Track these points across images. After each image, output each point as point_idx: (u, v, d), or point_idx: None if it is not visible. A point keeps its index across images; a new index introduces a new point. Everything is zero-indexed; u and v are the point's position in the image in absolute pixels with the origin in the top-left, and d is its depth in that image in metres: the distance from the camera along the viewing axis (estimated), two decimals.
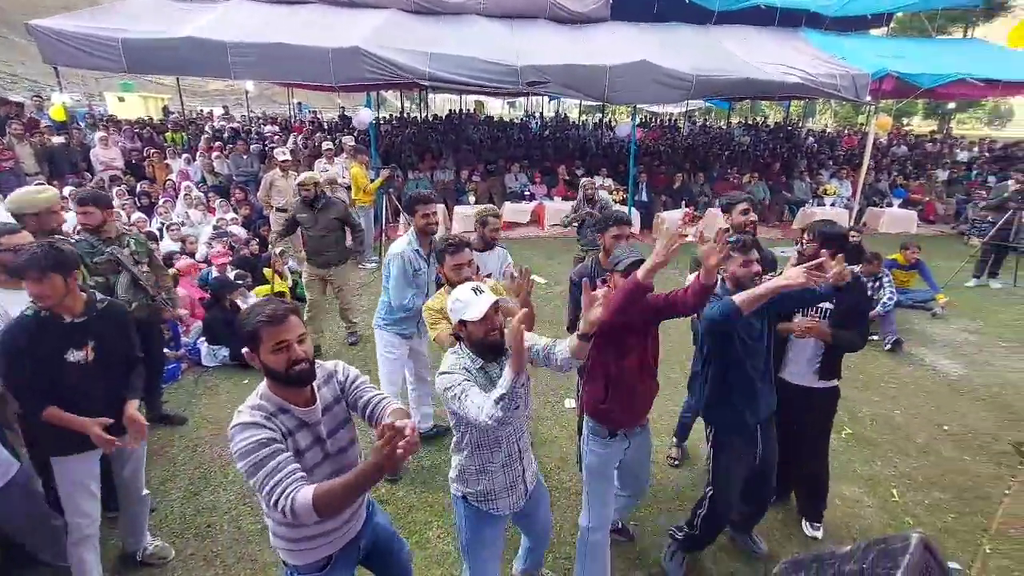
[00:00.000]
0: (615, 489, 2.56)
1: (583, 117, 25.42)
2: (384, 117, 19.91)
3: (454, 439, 2.04)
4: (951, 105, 20.59)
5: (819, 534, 3.01)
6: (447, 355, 1.97)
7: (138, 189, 7.54)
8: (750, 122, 22.98)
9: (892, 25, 14.55)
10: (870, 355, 5.18)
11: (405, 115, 21.41)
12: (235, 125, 14.70)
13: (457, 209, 9.01)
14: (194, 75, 7.64)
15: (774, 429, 2.60)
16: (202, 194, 7.29)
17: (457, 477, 2.05)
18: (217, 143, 10.03)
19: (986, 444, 3.86)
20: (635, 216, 9.06)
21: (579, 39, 8.93)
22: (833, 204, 10.08)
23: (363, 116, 7.98)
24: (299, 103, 22.11)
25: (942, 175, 12.17)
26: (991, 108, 38.44)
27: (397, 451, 1.29)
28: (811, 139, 17.78)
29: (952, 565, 2.88)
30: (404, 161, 10.02)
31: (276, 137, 12.47)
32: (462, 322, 1.86)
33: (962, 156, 14.65)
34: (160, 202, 6.82)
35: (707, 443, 2.59)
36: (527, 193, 9.67)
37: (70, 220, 4.12)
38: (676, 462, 3.57)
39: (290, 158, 6.91)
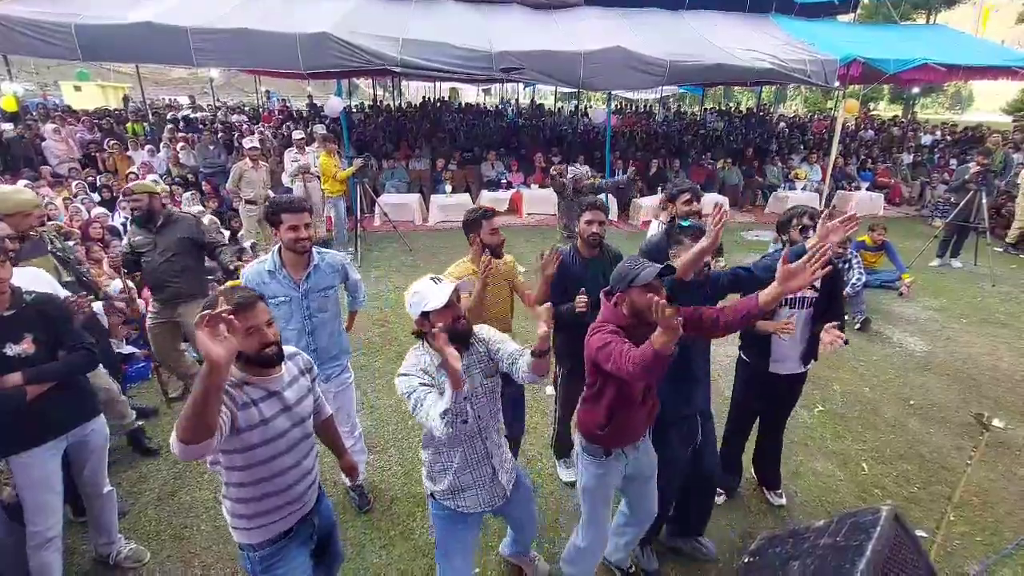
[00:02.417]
0: (623, 517, 2.48)
1: (559, 104, 25.32)
2: (356, 105, 19.53)
3: (422, 436, 2.03)
4: (915, 90, 21.13)
5: (784, 500, 3.12)
6: (409, 354, 1.91)
7: (98, 182, 7.25)
8: (723, 108, 23.22)
9: (859, 11, 14.81)
10: None
11: (378, 103, 21.03)
12: (200, 115, 14.22)
13: (434, 199, 8.93)
14: (154, 63, 7.32)
15: (712, 422, 2.57)
16: (167, 187, 7.04)
17: (426, 475, 2.06)
18: (182, 134, 9.69)
19: (949, 417, 4.02)
20: (611, 202, 9.10)
21: (553, 25, 8.85)
22: (804, 188, 10.29)
23: (334, 104, 7.80)
24: (267, 91, 21.50)
25: (907, 159, 12.52)
26: (952, 93, 39.62)
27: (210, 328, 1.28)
28: (782, 124, 18.07)
29: (919, 533, 3.00)
30: (378, 150, 9.84)
31: (244, 127, 12.11)
32: (424, 315, 1.79)
33: (926, 140, 15.09)
34: (123, 196, 6.57)
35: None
36: (504, 182, 9.62)
37: None
38: None
39: (259, 147, 6.71)
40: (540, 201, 9.31)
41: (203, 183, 7.40)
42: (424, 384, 1.78)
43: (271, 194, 7.23)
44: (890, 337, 5.37)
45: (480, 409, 1.93)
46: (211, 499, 3.13)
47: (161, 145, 8.75)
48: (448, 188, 9.01)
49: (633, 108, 23.03)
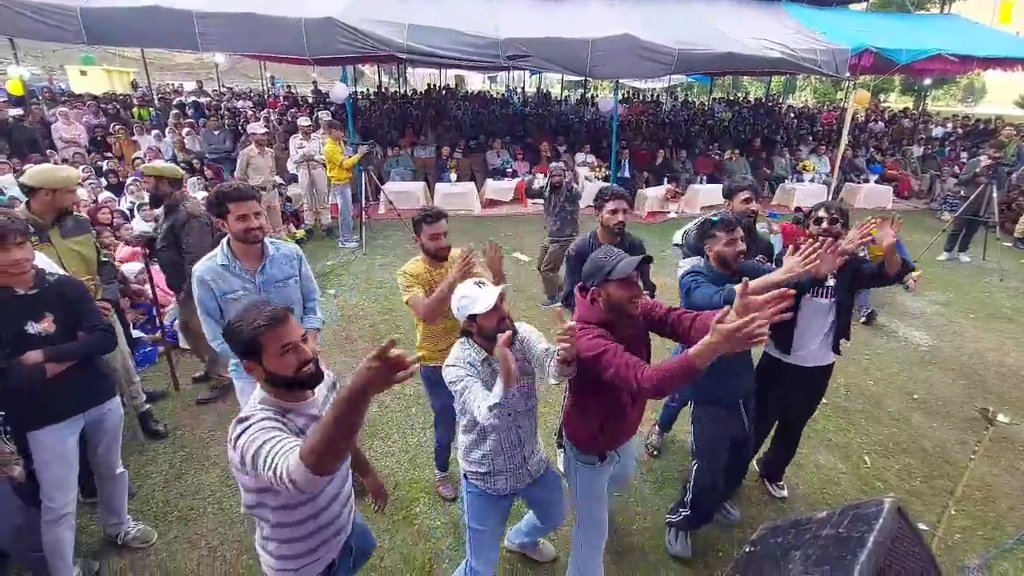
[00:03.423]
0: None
1: (565, 93, 25.10)
2: (362, 92, 19.45)
3: (461, 422, 2.09)
4: (927, 81, 20.82)
5: (786, 492, 3.14)
6: (455, 347, 2.01)
7: (104, 167, 7.26)
8: (731, 98, 22.96)
9: (871, 0, 14.58)
10: None
11: (383, 90, 20.91)
12: (205, 100, 14.17)
13: (439, 187, 8.89)
14: (159, 47, 7.28)
15: (753, 406, 2.62)
16: (182, 171, 7.02)
17: (462, 455, 2.14)
18: (188, 120, 9.67)
19: (953, 411, 4.02)
20: None
21: (561, 12, 8.73)
22: (812, 180, 10.19)
23: (339, 90, 7.75)
24: (272, 77, 21.40)
25: (917, 151, 12.36)
26: (965, 85, 39.03)
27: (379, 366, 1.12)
28: (791, 115, 17.86)
29: (920, 526, 3.01)
30: (383, 137, 9.80)
31: (249, 112, 12.07)
32: (471, 317, 1.89)
33: (936, 132, 14.89)
34: (130, 180, 6.58)
35: (693, 419, 2.59)
36: (509, 170, 9.57)
37: None
38: (656, 451, 3.52)
39: (264, 132, 6.69)
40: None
41: (206, 169, 7.38)
42: (470, 375, 1.90)
43: (278, 180, 7.23)
44: (895, 331, 5.34)
45: (515, 403, 2.02)
46: (217, 482, 3.17)
47: (167, 131, 8.74)
48: (453, 176, 8.97)
49: (640, 97, 22.81)
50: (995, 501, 3.19)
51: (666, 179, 9.69)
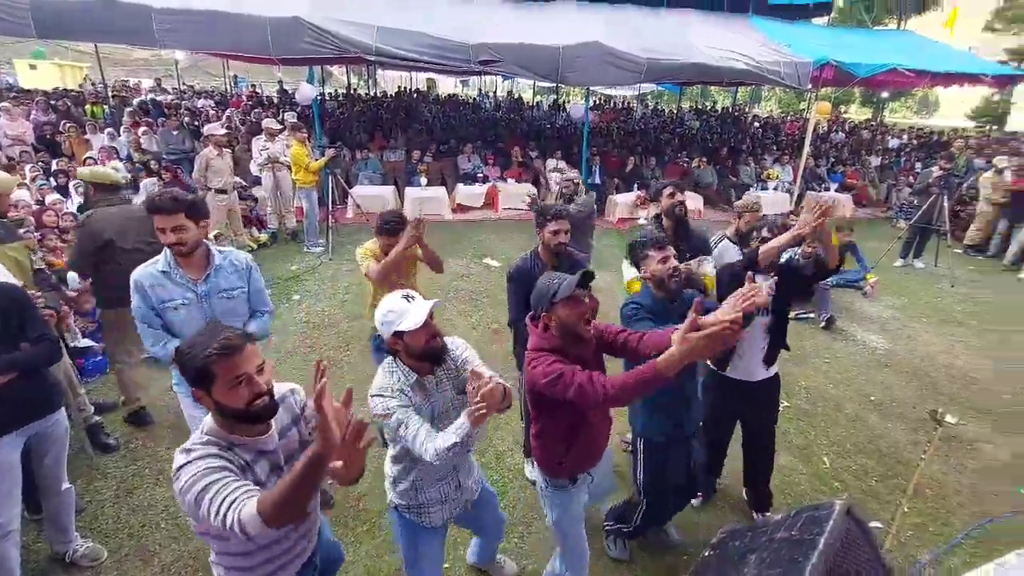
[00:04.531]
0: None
1: (537, 98, 25.28)
2: (330, 93, 19.17)
3: (390, 452, 1.98)
4: (884, 94, 21.73)
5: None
6: (379, 373, 1.84)
7: (54, 167, 6.94)
8: (700, 107, 23.50)
9: (833, 15, 15.12)
10: (807, 332, 5.46)
11: (352, 92, 20.66)
12: (164, 98, 13.70)
13: (408, 191, 8.79)
14: (115, 43, 7.01)
15: (702, 438, 2.64)
16: (128, 174, 6.76)
17: (391, 486, 2.01)
18: (146, 118, 9.33)
19: (906, 412, 4.16)
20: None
21: (532, 17, 8.80)
22: (776, 188, 10.48)
23: (305, 91, 7.60)
24: (235, 76, 20.90)
25: (875, 161, 12.86)
26: (920, 98, 40.86)
27: (333, 439, 1.17)
28: (757, 125, 18.38)
29: (875, 524, 3.10)
30: (352, 140, 9.66)
31: (211, 112, 11.73)
32: (397, 334, 1.73)
33: (893, 143, 15.53)
34: (75, 181, 6.28)
35: (642, 450, 2.51)
36: (480, 175, 9.54)
37: None
38: (630, 447, 3.54)
39: (225, 133, 6.49)
40: (517, 196, 9.27)
41: (163, 170, 7.10)
42: (402, 405, 1.74)
43: (240, 182, 7.04)
44: (854, 335, 5.52)
45: (450, 423, 1.88)
46: (170, 497, 3.04)
47: (122, 129, 8.41)
48: (423, 181, 8.89)
49: (612, 104, 23.13)
50: (945, 498, 3.31)
51: (636, 186, 9.82)
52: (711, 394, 2.94)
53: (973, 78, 10.35)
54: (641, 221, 9.20)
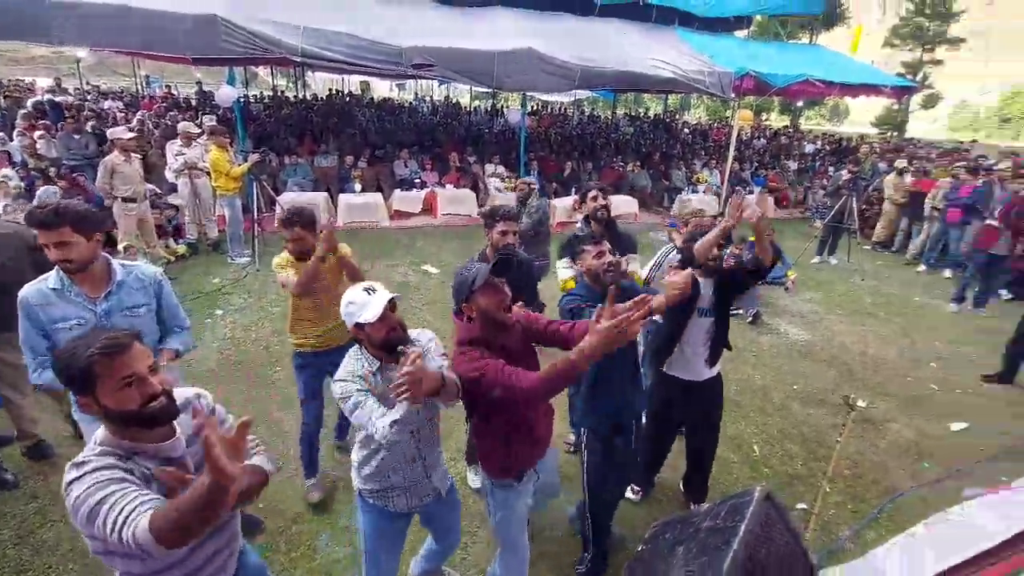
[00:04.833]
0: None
1: (475, 103, 25.33)
2: (255, 95, 18.38)
3: (357, 436, 1.99)
4: (799, 103, 23.37)
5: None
6: (346, 359, 1.91)
7: None
8: (633, 113, 24.35)
9: (752, 28, 16.12)
10: (735, 327, 5.61)
11: (280, 94, 19.88)
12: (64, 99, 12.56)
13: (342, 198, 8.49)
14: (2, 38, 6.36)
15: (642, 428, 2.68)
16: (22, 182, 6.10)
17: (356, 471, 2.02)
18: (42, 121, 8.51)
19: (826, 398, 4.41)
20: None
21: (464, 22, 8.79)
22: (705, 191, 10.98)
23: (226, 93, 7.19)
24: (147, 76, 19.60)
25: (792, 165, 13.76)
26: (832, 106, 44.37)
27: (224, 471, 1.06)
28: (686, 131, 19.23)
29: (800, 506, 3.25)
30: (280, 145, 9.24)
31: (119, 115, 10.88)
32: (358, 325, 1.79)
33: (808, 149, 16.68)
34: None
35: (585, 448, 2.51)
36: (418, 181, 9.38)
37: None
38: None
39: (133, 137, 5.99)
40: (455, 201, 9.19)
41: (61, 178, 6.46)
42: (360, 389, 1.80)
43: (153, 189, 6.56)
44: (778, 328, 5.82)
45: (411, 412, 1.90)
46: (78, 535, 2.73)
47: (15, 133, 7.63)
48: (357, 187, 8.62)
49: (549, 110, 23.54)
50: (861, 477, 3.52)
51: (574, 190, 9.99)
52: (657, 394, 3.00)
53: (875, 89, 11.32)
54: (579, 225, 9.36)
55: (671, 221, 9.26)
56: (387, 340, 1.79)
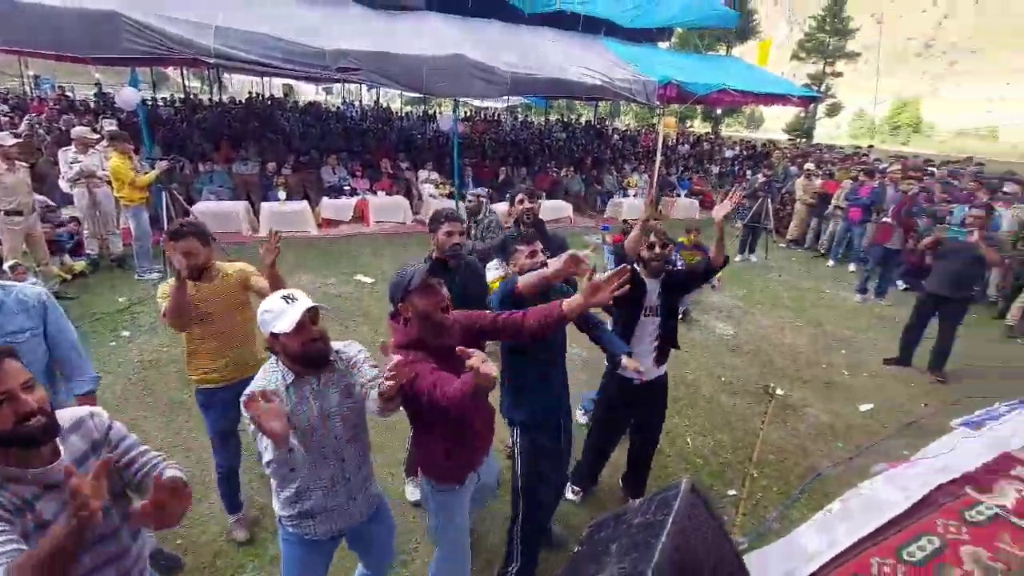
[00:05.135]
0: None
1: (407, 108, 25.03)
2: (163, 98, 17.23)
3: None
4: (719, 111, 24.84)
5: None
6: (259, 372, 1.79)
7: None
8: (566, 120, 24.92)
9: (673, 40, 16.96)
10: None
11: (193, 97, 18.76)
12: None
13: (264, 206, 8.04)
14: None
15: (570, 422, 2.67)
16: None
17: (275, 496, 1.89)
18: None
19: (751, 389, 4.64)
20: (463, 209, 9.11)
21: (390, 26, 8.62)
22: (635, 195, 11.37)
23: (128, 96, 6.60)
24: (36, 76, 17.92)
25: (715, 169, 14.58)
26: (748, 114, 47.59)
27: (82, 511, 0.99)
28: (617, 137, 19.91)
29: (731, 492, 3.38)
30: (193, 151, 8.66)
31: (4, 118, 9.81)
32: (274, 335, 1.67)
33: (728, 154, 17.73)
34: None
35: (520, 451, 2.46)
36: (348, 188, 9.08)
37: None
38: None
39: (16, 143, 5.37)
40: (388, 209, 8.98)
41: None
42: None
43: (41, 199, 5.94)
44: (706, 324, 6.08)
45: (336, 430, 1.80)
46: None
47: None
48: (282, 195, 8.20)
49: (482, 116, 23.65)
50: (784, 460, 3.71)
51: (508, 195, 10.02)
52: (608, 394, 3.05)
53: (784, 98, 12.19)
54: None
55: (604, 224, 9.53)
56: (304, 352, 1.68)
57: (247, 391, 1.63)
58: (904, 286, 7.59)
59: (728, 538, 1.66)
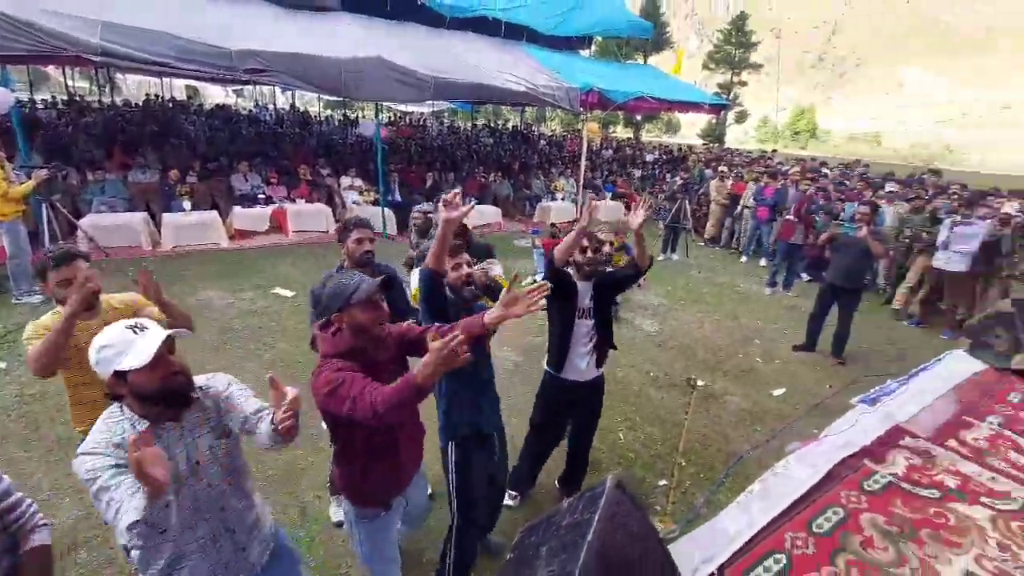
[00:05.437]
0: None
1: (327, 112, 24.19)
2: (44, 100, 15.64)
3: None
4: (639, 117, 25.94)
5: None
6: (97, 424, 1.46)
7: None
8: (493, 125, 25.08)
9: (593, 48, 17.52)
10: None
11: (79, 98, 17.14)
12: None
13: (167, 218, 7.38)
14: None
15: (504, 434, 2.65)
16: None
17: (137, 559, 1.54)
18: None
19: (676, 382, 4.81)
20: (390, 217, 8.88)
21: (304, 27, 8.25)
22: (563, 199, 11.60)
23: None
24: None
25: (637, 173, 15.18)
26: (667, 120, 50.24)
27: None
28: (543, 142, 20.28)
29: (662, 482, 3.47)
30: (81, 158, 7.84)
31: None
32: (118, 374, 1.40)
33: (649, 158, 18.54)
34: None
35: (454, 465, 2.40)
36: (262, 196, 8.55)
37: None
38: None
39: None
40: (309, 217, 8.56)
41: None
42: (117, 465, 1.35)
43: None
44: (633, 321, 6.27)
45: (211, 477, 1.56)
46: None
47: None
48: (187, 205, 7.56)
49: (407, 121, 23.31)
50: (708, 448, 3.87)
51: (435, 201, 9.90)
52: (546, 396, 3.04)
53: (697, 106, 12.96)
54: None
55: (534, 228, 9.63)
56: (164, 390, 1.43)
57: (84, 448, 1.39)
58: (808, 278, 8.22)
59: (654, 529, 1.68)
